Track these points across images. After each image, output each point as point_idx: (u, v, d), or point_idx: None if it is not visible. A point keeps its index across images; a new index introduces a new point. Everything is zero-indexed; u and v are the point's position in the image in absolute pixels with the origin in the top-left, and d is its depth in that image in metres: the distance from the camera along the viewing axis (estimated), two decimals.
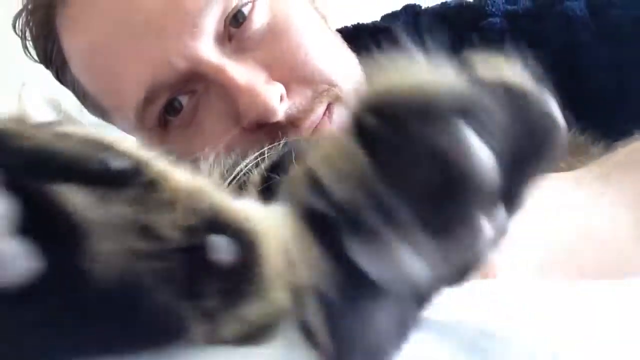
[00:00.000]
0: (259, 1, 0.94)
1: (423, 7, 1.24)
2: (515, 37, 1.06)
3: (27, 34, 1.10)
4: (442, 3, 1.21)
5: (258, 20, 0.95)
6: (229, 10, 0.92)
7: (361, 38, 1.17)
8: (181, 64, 0.90)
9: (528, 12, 1.08)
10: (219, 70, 0.90)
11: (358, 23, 1.25)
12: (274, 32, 0.95)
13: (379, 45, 1.16)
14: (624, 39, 0.99)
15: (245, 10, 0.93)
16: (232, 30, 0.94)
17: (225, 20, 0.92)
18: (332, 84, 0.97)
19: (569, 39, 1.02)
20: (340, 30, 1.23)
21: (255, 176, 0.63)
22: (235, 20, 0.93)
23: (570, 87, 1.09)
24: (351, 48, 1.14)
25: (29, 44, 1.12)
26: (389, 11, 1.28)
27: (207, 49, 0.90)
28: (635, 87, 0.98)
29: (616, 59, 1.00)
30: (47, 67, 1.14)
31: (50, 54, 1.08)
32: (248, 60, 0.93)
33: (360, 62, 1.10)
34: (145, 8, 0.91)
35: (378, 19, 1.29)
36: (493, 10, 1.10)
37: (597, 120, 1.11)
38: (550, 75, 1.15)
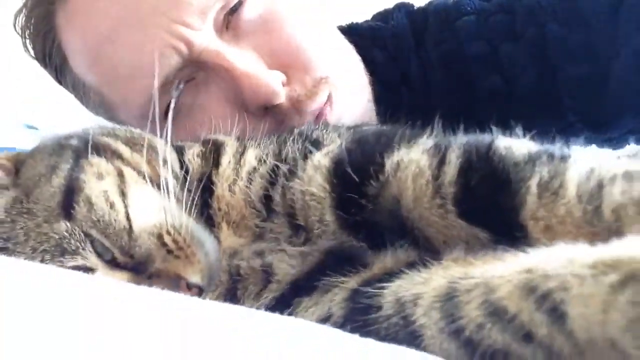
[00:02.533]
0: None
1: (415, 6, 1.26)
2: (486, 34, 1.09)
3: (27, 32, 1.10)
4: (429, 2, 1.24)
5: (252, 10, 0.99)
6: (230, 4, 0.96)
7: (355, 38, 1.19)
8: (184, 50, 0.93)
9: (499, 7, 1.11)
10: (220, 56, 0.94)
11: (352, 23, 1.27)
12: (267, 24, 1.00)
13: (373, 46, 1.18)
14: (595, 24, 1.01)
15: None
16: (229, 18, 0.98)
17: (224, 12, 0.97)
18: (328, 73, 1.01)
19: (538, 30, 1.05)
20: (339, 30, 1.25)
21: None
22: (232, 9, 0.98)
23: (549, 78, 1.12)
24: (352, 44, 1.17)
25: (29, 43, 1.12)
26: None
27: (208, 37, 0.95)
28: (616, 72, 0.99)
29: (589, 45, 1.01)
30: (45, 66, 1.14)
31: (50, 51, 1.09)
32: (246, 48, 0.98)
33: None
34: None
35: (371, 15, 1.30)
36: (469, 9, 1.13)
37: (580, 108, 1.14)
38: (526, 71, 1.17)
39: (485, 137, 0.63)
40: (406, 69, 1.16)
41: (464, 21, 1.12)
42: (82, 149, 0.75)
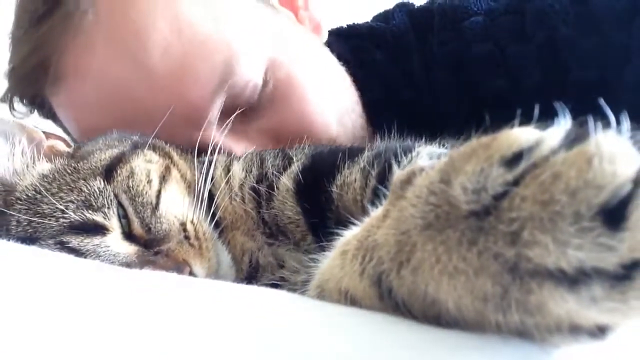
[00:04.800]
0: (261, 74, 0.97)
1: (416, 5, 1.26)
2: (493, 35, 1.08)
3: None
4: (430, 1, 1.23)
5: (262, 92, 0.99)
6: (233, 93, 0.95)
7: (355, 39, 1.21)
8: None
9: (508, 8, 1.10)
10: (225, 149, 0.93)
11: (353, 24, 1.28)
12: (278, 99, 1.00)
13: (373, 47, 1.18)
14: (607, 30, 0.99)
15: (250, 85, 0.97)
16: (237, 101, 0.96)
17: (228, 99, 0.95)
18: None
19: (549, 34, 1.04)
20: (334, 31, 1.27)
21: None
22: (240, 94, 0.96)
23: (555, 82, 1.10)
24: (345, 48, 1.20)
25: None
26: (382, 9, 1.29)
27: (212, 134, 0.94)
28: (625, 79, 0.97)
29: (600, 51, 1.00)
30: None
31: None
32: (252, 133, 0.99)
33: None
34: (147, 103, 0.92)
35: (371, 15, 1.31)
36: (475, 9, 1.12)
37: (587, 114, 1.09)
38: (531, 73, 1.15)
39: (395, 153, 0.67)
40: (409, 68, 1.16)
41: (471, 22, 1.11)
42: (140, 143, 0.82)
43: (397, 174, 0.43)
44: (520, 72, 1.06)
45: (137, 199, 0.72)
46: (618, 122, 0.35)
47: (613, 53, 0.99)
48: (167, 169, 0.78)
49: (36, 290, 0.44)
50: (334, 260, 0.49)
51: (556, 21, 1.03)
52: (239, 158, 0.83)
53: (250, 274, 0.76)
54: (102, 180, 0.72)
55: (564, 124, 0.36)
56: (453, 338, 0.38)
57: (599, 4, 1.00)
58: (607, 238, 0.32)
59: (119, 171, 0.73)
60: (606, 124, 0.35)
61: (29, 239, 0.68)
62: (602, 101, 0.36)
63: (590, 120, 0.34)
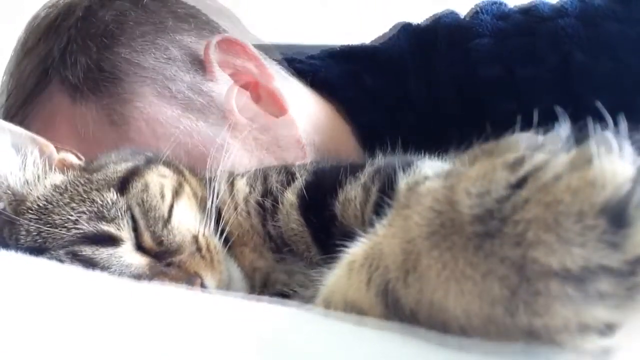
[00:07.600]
0: None
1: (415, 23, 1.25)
2: (502, 57, 1.07)
3: None
4: (434, 19, 1.22)
5: None
6: None
7: (347, 63, 1.21)
8: None
9: (518, 29, 1.09)
10: None
11: (348, 45, 1.28)
12: None
13: (364, 71, 1.18)
14: (623, 56, 0.98)
15: None
16: None
17: None
18: None
19: (562, 59, 1.02)
20: (327, 53, 1.27)
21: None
22: None
23: (567, 108, 1.09)
24: (342, 69, 1.20)
25: None
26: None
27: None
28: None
29: (616, 78, 0.98)
30: None
31: None
32: None
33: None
34: None
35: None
36: (480, 30, 1.11)
37: None
38: (543, 96, 1.13)
39: (395, 168, 0.66)
40: (406, 91, 1.15)
41: (477, 44, 1.09)
42: (154, 159, 0.84)
43: (402, 182, 0.44)
44: (531, 95, 1.03)
45: (149, 213, 0.73)
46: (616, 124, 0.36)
47: (628, 79, 0.97)
48: (180, 184, 0.79)
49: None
50: (340, 271, 0.49)
51: (570, 46, 1.01)
52: (242, 174, 0.84)
53: (261, 288, 0.77)
54: (115, 192, 0.73)
55: (564, 128, 0.37)
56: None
57: (612, 29, 1.00)
58: (611, 235, 0.32)
59: (133, 184, 0.74)
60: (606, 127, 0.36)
61: (38, 249, 0.68)
62: (599, 104, 0.37)
63: (590, 122, 0.35)
